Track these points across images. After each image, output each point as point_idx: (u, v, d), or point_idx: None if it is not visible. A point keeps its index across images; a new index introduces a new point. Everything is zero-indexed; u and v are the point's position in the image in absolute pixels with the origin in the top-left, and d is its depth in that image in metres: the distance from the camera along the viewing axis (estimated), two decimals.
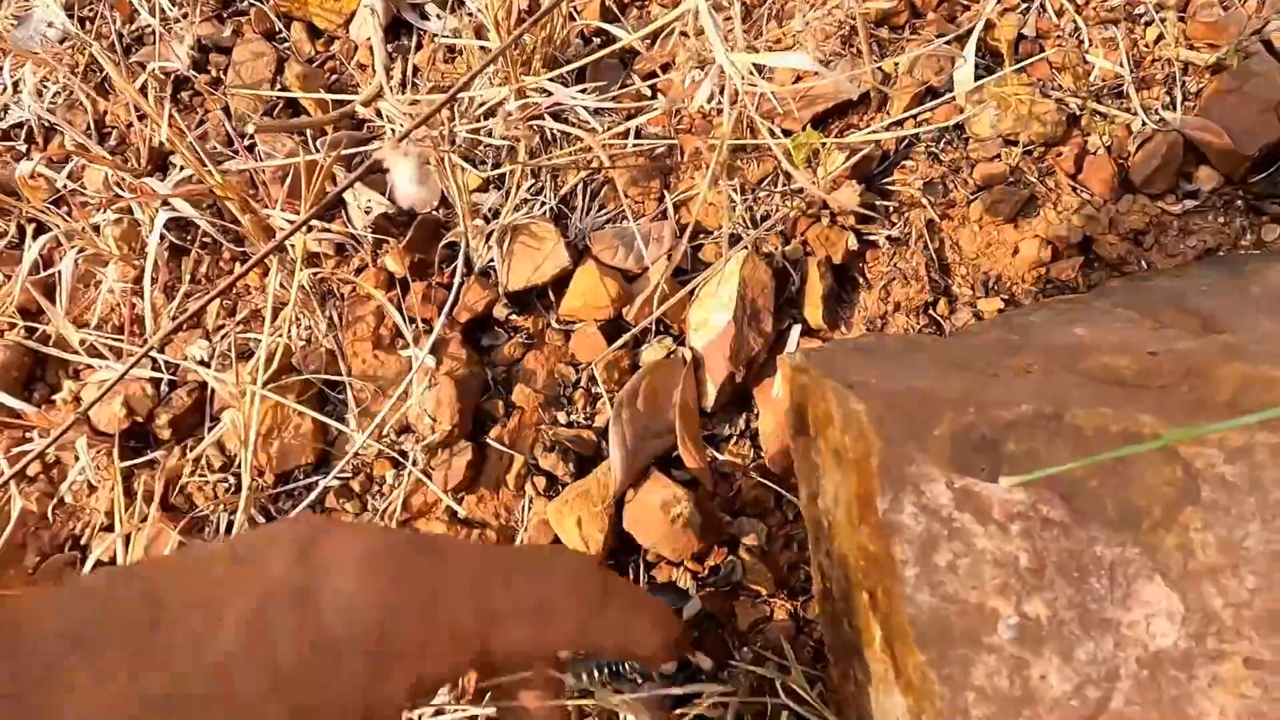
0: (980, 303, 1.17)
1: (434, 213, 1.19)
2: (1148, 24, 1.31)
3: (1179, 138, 1.19)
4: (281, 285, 1.07)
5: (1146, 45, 1.30)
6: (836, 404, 0.74)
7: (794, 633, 1.01)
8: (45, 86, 1.29)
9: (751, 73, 0.84)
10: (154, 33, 1.31)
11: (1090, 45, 1.29)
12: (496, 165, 1.21)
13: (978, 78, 1.25)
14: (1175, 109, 1.24)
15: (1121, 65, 1.26)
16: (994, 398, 0.66)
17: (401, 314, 1.08)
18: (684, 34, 1.09)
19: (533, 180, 1.19)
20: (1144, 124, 1.23)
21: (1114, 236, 1.18)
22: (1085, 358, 0.77)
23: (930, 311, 1.17)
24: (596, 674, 0.92)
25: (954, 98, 1.25)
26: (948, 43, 1.28)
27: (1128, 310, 0.96)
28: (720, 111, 1.26)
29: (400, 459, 1.06)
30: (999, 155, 1.22)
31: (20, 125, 1.26)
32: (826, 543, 0.79)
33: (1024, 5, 1.32)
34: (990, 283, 1.19)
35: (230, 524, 1.04)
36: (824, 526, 0.80)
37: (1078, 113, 1.24)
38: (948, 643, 0.59)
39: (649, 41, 1.22)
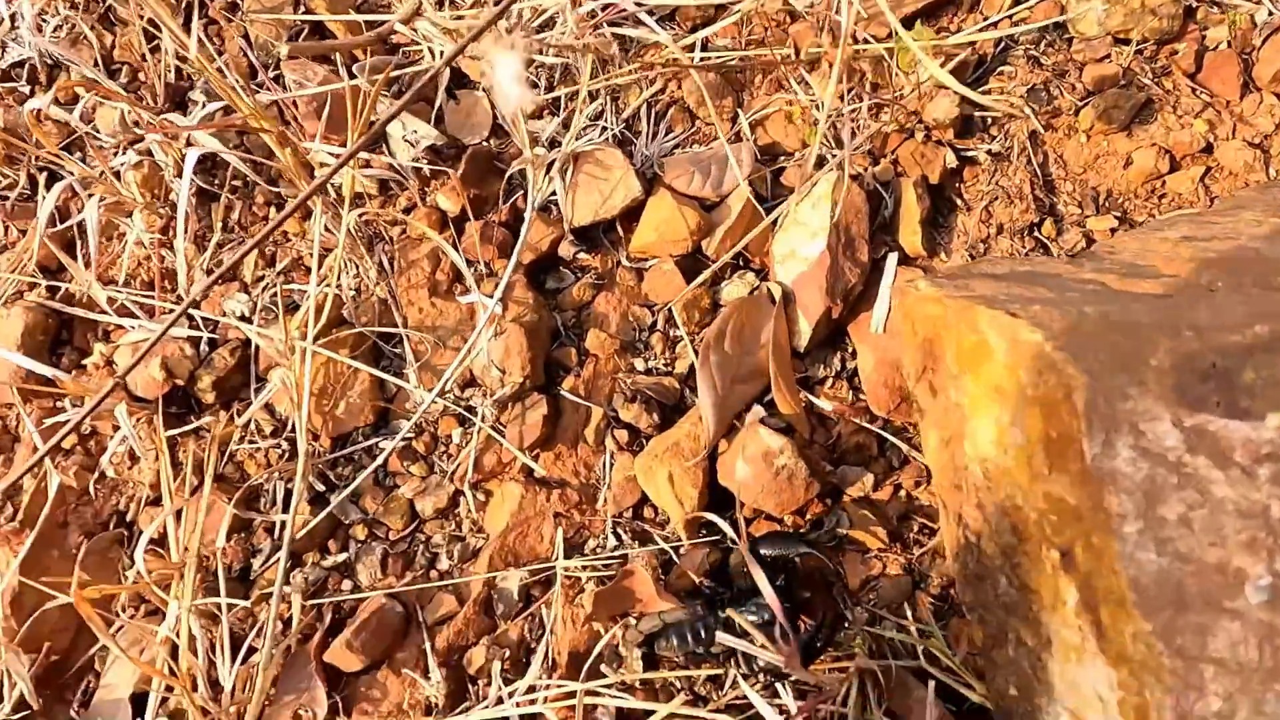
0: (1090, 222, 1.06)
1: (485, 144, 1.07)
2: None
3: None
4: (326, 229, 0.96)
5: None
6: (997, 335, 0.64)
7: (910, 589, 0.93)
8: (44, 20, 1.16)
9: None
10: None
11: None
12: (550, 88, 1.09)
13: None
14: None
15: None
16: (1209, 320, 0.56)
17: (459, 255, 0.98)
18: None
19: (592, 100, 1.07)
20: (1270, 13, 1.09)
21: (1239, 142, 1.06)
22: (1277, 273, 0.66)
23: (1036, 234, 1.05)
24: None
25: None
26: None
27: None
28: (794, 19, 1.13)
29: (468, 415, 0.97)
30: (1108, 56, 1.10)
31: (21, 64, 1.14)
32: (978, 493, 0.70)
33: None
34: (1100, 199, 1.07)
35: (288, 493, 0.96)
36: (973, 474, 0.70)
37: (1195, 4, 1.11)
38: (1179, 608, 0.50)
39: None
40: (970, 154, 1.08)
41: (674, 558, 0.94)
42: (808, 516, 0.95)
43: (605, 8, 0.99)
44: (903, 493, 0.97)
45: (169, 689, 0.86)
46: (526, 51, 0.70)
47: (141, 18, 1.14)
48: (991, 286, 0.75)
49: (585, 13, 0.97)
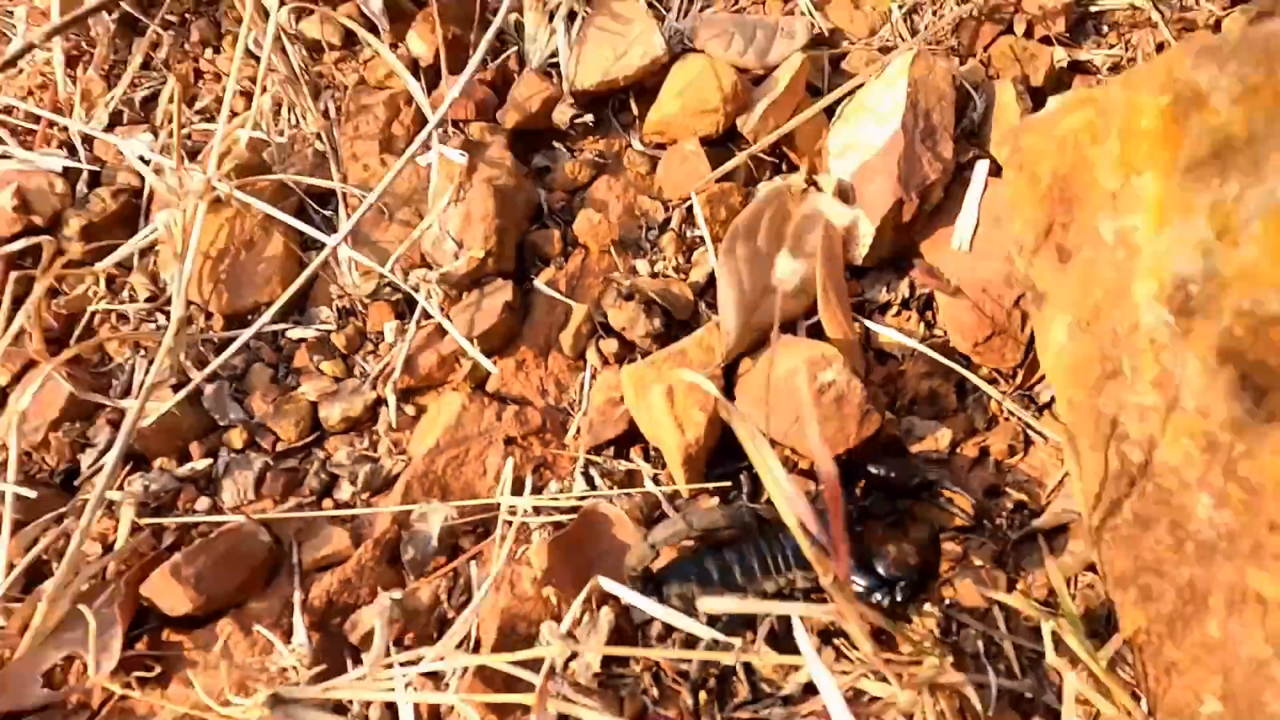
0: None
1: None
2: None
3: None
4: (258, 57, 0.74)
5: None
6: (1208, 81, 0.39)
7: (1008, 586, 0.64)
8: None
9: None
10: None
11: None
12: None
13: None
14: None
15: None
16: None
17: (424, 96, 0.76)
18: None
19: None
20: None
21: None
22: None
23: None
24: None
25: None
26: None
27: None
28: None
29: (408, 304, 0.72)
30: None
31: None
32: (1160, 357, 0.43)
33: None
34: None
35: (142, 384, 0.70)
36: (1152, 329, 0.44)
37: None
38: None
39: None
40: (1084, 59, 0.86)
41: (666, 509, 0.66)
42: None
43: None
44: (989, 460, 0.70)
45: None
46: None
47: None
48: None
49: None
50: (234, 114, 0.77)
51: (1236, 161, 0.41)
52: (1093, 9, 0.87)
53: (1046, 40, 0.86)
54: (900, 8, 0.85)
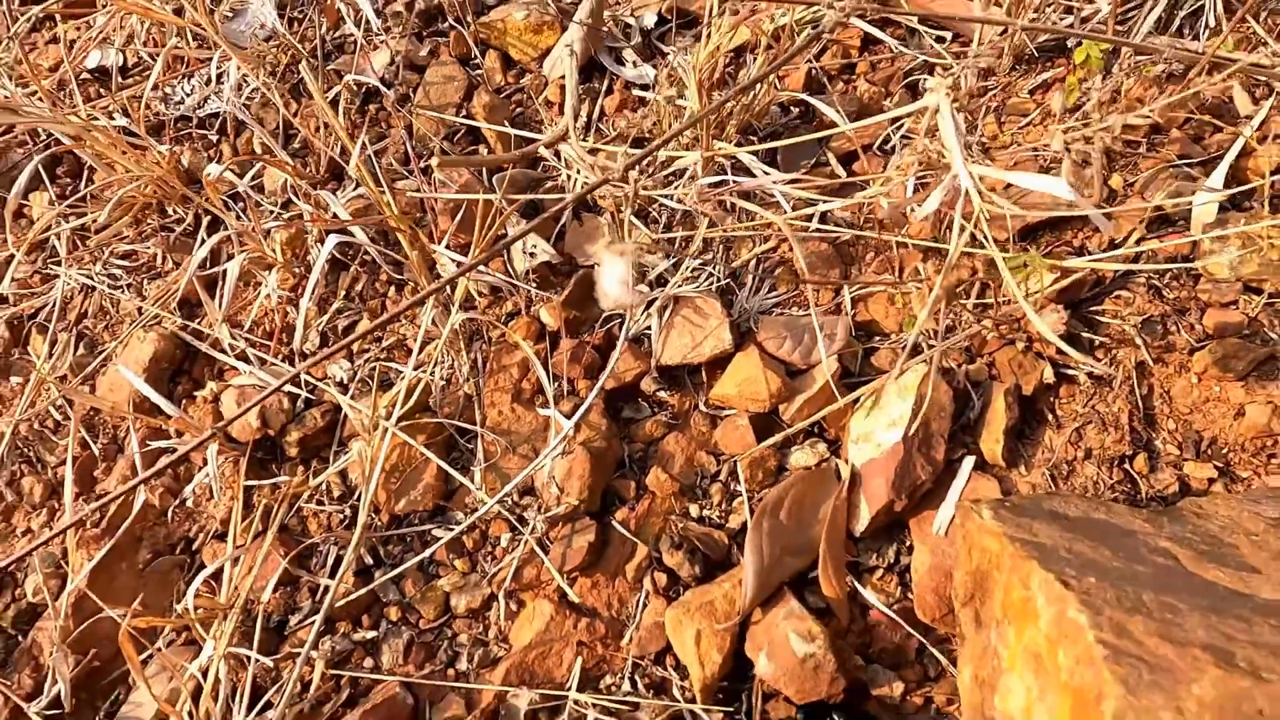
0: (1187, 465, 1.01)
1: (595, 268, 1.13)
2: None
3: None
4: (434, 322, 1.03)
5: None
6: (1046, 601, 0.62)
7: None
8: (247, 81, 1.31)
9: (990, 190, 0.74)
10: (355, 42, 1.32)
11: None
12: (669, 228, 1.14)
13: (1222, 211, 1.09)
14: None
15: None
16: (1268, 654, 0.53)
17: (547, 370, 1.02)
18: (910, 133, 0.99)
19: (703, 249, 1.12)
20: None
21: None
22: None
23: (1126, 466, 1.02)
24: None
25: (1189, 230, 1.10)
26: (1191, 166, 1.13)
27: None
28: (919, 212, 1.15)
29: (519, 526, 1.00)
30: (1236, 302, 1.07)
31: (215, 115, 1.28)
32: None
33: None
34: (1203, 445, 1.03)
35: (339, 559, 1.00)
36: None
37: None
38: None
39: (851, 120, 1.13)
40: (1071, 372, 1.06)
41: (686, 717, 0.92)
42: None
43: (726, 180, 1.04)
44: (933, 708, 0.93)
45: None
46: (635, 257, 0.74)
47: (326, 93, 1.27)
48: (1055, 534, 0.74)
49: (709, 183, 1.02)
50: (409, 354, 1.06)
51: None
52: (1084, 333, 1.06)
53: (1040, 357, 1.06)
54: (921, 317, 1.07)
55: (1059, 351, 1.06)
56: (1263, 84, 1.18)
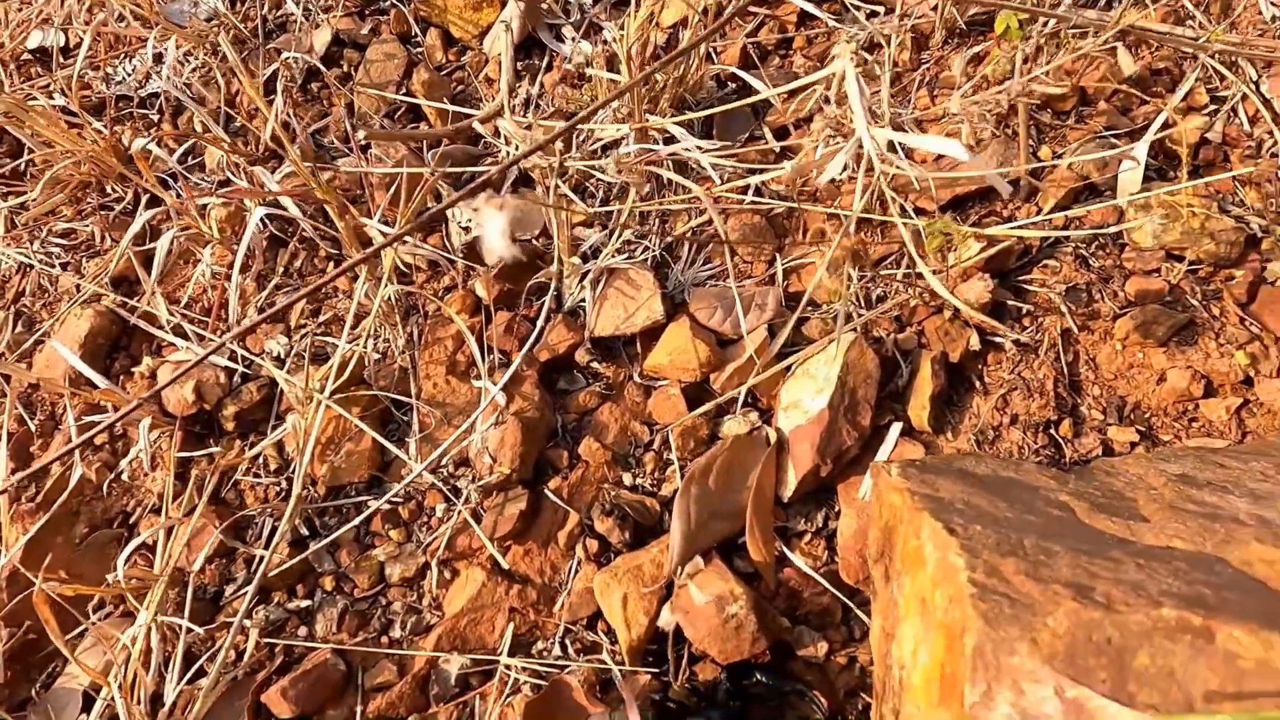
0: (1111, 430, 1.03)
1: (533, 242, 1.14)
2: None
3: None
4: (367, 295, 1.04)
5: None
6: (933, 548, 0.64)
7: None
8: (186, 61, 1.31)
9: (894, 150, 0.76)
10: (296, 20, 1.32)
11: None
12: (605, 201, 1.15)
13: (1146, 181, 1.12)
14: None
15: None
16: (1127, 589, 0.55)
17: (482, 344, 1.04)
18: (825, 99, 1.01)
19: (639, 223, 1.13)
20: None
21: None
22: (1243, 546, 0.64)
23: (1051, 431, 1.04)
24: None
25: (1115, 199, 1.12)
26: (1118, 137, 1.15)
27: None
28: (851, 180, 1.17)
29: (452, 497, 1.01)
30: (1158, 270, 1.09)
31: (156, 95, 1.29)
32: (895, 699, 0.69)
33: (1213, 107, 1.18)
34: (1126, 409, 1.05)
35: (274, 530, 1.01)
36: (895, 677, 0.69)
37: (1259, 235, 1.09)
38: None
39: (785, 95, 1.14)
40: (998, 340, 1.08)
41: (615, 678, 0.94)
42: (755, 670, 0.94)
43: (650, 149, 1.05)
44: (856, 667, 0.95)
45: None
46: (515, 212, 0.75)
47: (265, 70, 1.27)
48: (956, 488, 0.76)
49: (638, 150, 1.04)
50: (348, 332, 1.07)
51: None
52: (1010, 301, 1.08)
53: (966, 325, 1.08)
54: (854, 284, 1.09)
55: (986, 318, 1.08)
56: (1188, 56, 1.20)
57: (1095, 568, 0.58)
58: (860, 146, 0.73)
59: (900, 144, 0.74)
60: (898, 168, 0.71)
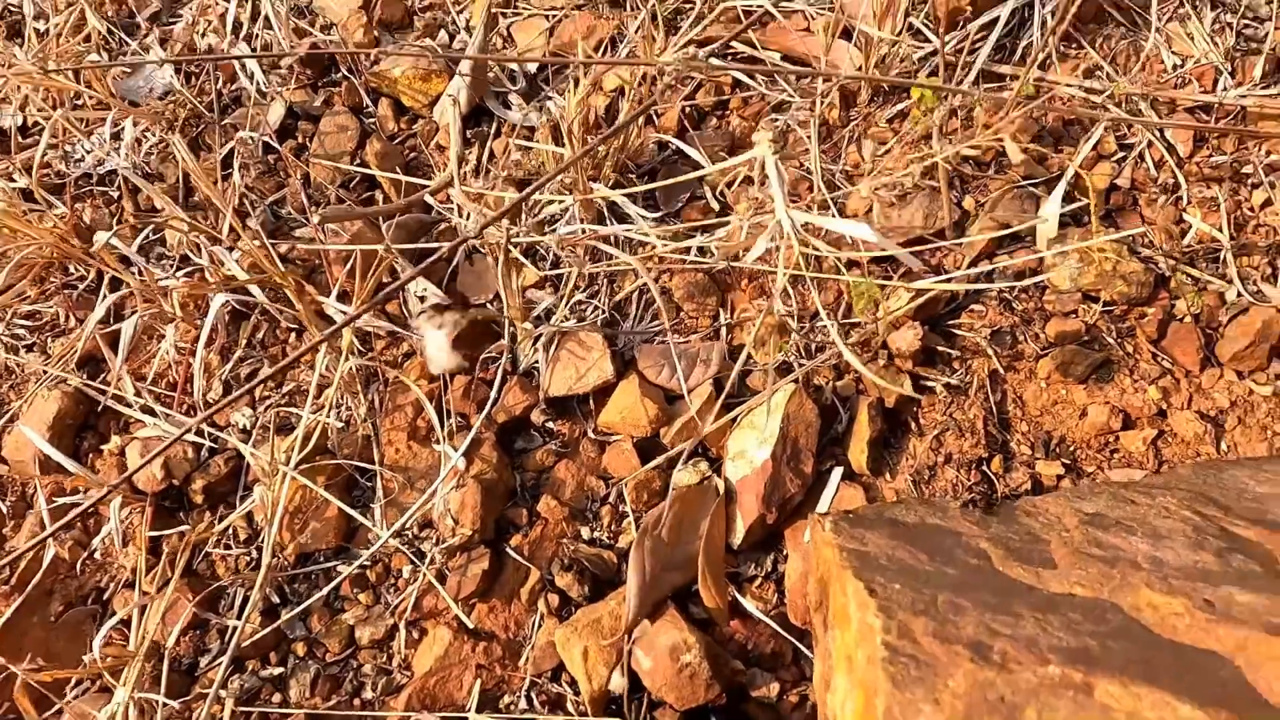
0: (1039, 464, 1.10)
1: (488, 306, 1.19)
2: (1254, 186, 1.23)
3: (1276, 314, 1.11)
4: (328, 368, 1.08)
5: (1251, 209, 1.22)
6: (855, 607, 0.70)
7: None
8: (145, 137, 1.35)
9: (812, 230, 0.82)
10: (250, 95, 1.36)
11: (1189, 204, 1.22)
12: (555, 264, 1.20)
13: (1063, 226, 1.19)
14: (1276, 282, 1.16)
15: (1220, 229, 1.18)
16: (1021, 646, 0.61)
17: (440, 410, 1.08)
18: (748, 178, 1.07)
19: (589, 284, 1.18)
20: (1239, 294, 1.15)
21: (1192, 413, 1.10)
22: (1135, 591, 0.71)
23: (984, 468, 1.11)
24: None
25: (1034, 245, 1.20)
26: (1035, 185, 1.23)
27: (1194, 515, 0.88)
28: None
29: (416, 560, 1.05)
30: (1076, 311, 1.16)
31: (114, 173, 1.32)
32: None
33: (1121, 154, 1.26)
34: (1052, 444, 1.12)
35: (245, 600, 1.05)
36: None
37: (1167, 275, 1.17)
38: None
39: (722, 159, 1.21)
40: (930, 383, 1.14)
41: None
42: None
43: (586, 227, 1.11)
44: (808, 705, 1.01)
45: None
46: (454, 328, 0.81)
47: (222, 147, 1.31)
48: (882, 542, 0.81)
49: (569, 232, 1.09)
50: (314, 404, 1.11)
51: None
52: (940, 346, 1.15)
53: (900, 371, 1.15)
54: (794, 335, 1.15)
55: (918, 364, 1.14)
56: (1099, 106, 1.28)
57: (997, 624, 0.63)
58: (781, 227, 0.79)
59: (816, 220, 0.80)
60: (814, 248, 0.77)
